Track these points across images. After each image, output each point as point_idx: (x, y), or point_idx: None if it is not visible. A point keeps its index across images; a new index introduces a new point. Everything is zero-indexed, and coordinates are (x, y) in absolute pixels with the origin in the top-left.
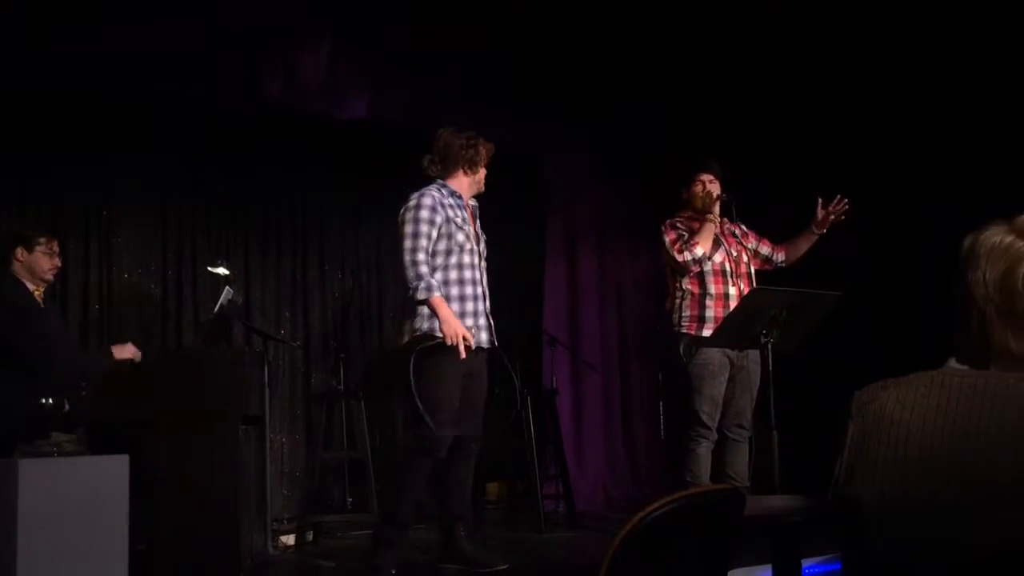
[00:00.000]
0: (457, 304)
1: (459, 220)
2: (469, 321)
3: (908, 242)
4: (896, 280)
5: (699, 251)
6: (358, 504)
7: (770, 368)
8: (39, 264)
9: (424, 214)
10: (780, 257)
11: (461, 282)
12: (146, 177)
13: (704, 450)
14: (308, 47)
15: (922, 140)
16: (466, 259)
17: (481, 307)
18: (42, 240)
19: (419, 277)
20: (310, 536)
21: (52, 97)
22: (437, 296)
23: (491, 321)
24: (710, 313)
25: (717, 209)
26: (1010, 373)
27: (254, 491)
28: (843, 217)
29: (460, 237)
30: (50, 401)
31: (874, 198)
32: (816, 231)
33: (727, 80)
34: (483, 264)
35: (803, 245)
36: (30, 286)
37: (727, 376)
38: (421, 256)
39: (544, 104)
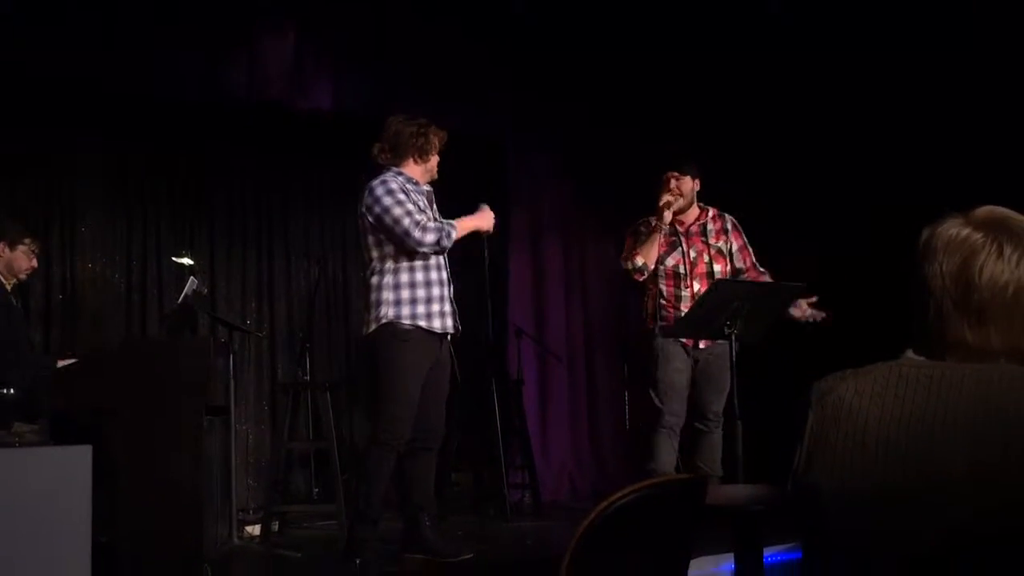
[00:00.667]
0: (423, 289)
1: (421, 204)
2: (436, 307)
3: (868, 232)
4: (856, 271)
5: (639, 261)
6: (324, 494)
7: (733, 359)
8: (18, 263)
9: (401, 196)
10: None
11: (427, 267)
12: (109, 167)
13: (664, 437)
14: (271, 37)
15: (879, 133)
16: None
17: (447, 292)
18: (27, 240)
19: (439, 229)
20: (276, 526)
21: (14, 86)
22: (456, 224)
23: (455, 307)
24: (664, 313)
25: (667, 216)
26: (965, 364)
27: (219, 481)
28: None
29: None
30: (11, 391)
31: (833, 189)
32: (790, 313)
33: (695, 79)
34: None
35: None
36: (2, 280)
37: (687, 367)
38: (420, 216)
39: (508, 96)
